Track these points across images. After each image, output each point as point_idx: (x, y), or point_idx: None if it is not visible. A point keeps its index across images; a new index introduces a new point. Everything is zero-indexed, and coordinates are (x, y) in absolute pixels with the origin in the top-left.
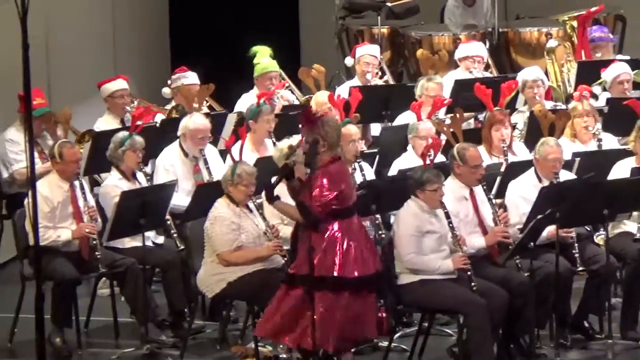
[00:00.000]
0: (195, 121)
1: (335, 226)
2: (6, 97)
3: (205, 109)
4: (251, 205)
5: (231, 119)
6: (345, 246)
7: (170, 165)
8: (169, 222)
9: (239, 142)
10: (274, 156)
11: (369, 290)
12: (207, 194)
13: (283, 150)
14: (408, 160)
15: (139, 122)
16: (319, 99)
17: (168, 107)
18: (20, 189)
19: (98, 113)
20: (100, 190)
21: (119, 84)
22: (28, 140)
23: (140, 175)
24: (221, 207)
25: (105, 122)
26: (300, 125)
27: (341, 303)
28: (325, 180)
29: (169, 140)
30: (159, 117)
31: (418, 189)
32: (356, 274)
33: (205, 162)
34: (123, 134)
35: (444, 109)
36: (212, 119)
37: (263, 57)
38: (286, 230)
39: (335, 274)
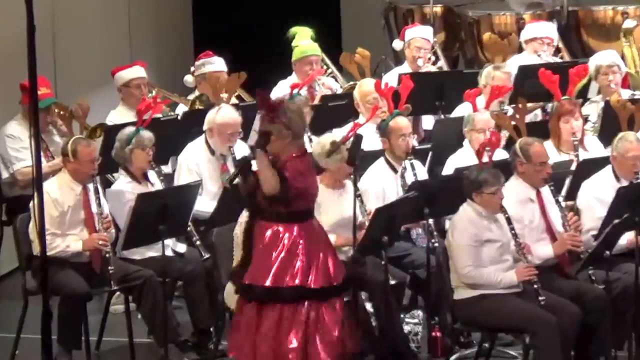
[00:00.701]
0: (224, 114)
1: (295, 230)
2: (6, 87)
3: (233, 100)
4: None
5: None
6: (307, 253)
7: (194, 164)
8: (191, 229)
9: None
10: (313, 152)
11: (335, 301)
12: (235, 197)
13: (325, 146)
14: (464, 156)
15: (145, 117)
16: (364, 88)
17: (191, 97)
18: (23, 190)
19: (111, 105)
20: (107, 195)
21: (136, 72)
22: (33, 135)
23: (152, 176)
24: None
25: (119, 115)
26: (258, 111)
27: (299, 317)
28: (290, 173)
29: (192, 135)
30: (181, 109)
31: (474, 191)
32: (320, 284)
33: (235, 161)
34: (129, 129)
35: (506, 98)
36: (243, 112)
37: (303, 39)
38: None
39: (297, 282)
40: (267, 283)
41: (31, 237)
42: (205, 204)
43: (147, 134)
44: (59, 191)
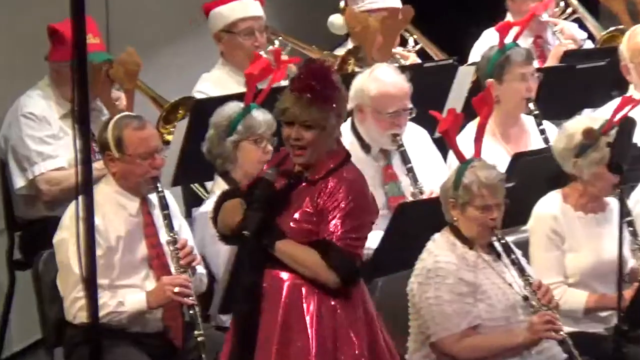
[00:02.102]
0: (383, 79)
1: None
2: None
3: (409, 55)
4: (498, 246)
5: (463, 78)
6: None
7: None
8: None
9: (471, 124)
10: (554, 147)
11: None
12: (412, 216)
13: (574, 136)
14: None
15: (260, 85)
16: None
17: (339, 51)
18: (49, 209)
19: (200, 66)
20: (196, 220)
21: (248, 8)
22: (77, 114)
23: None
24: (441, 251)
25: (216, 83)
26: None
27: None
28: (348, 201)
29: None
30: None
31: None
32: None
33: (405, 160)
34: (232, 107)
35: None
36: (415, 76)
37: None
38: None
39: None
40: None
41: (61, 291)
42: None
43: (262, 116)
44: (101, 212)
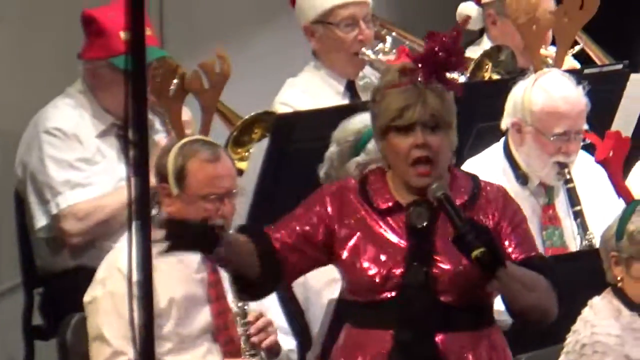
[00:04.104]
0: (551, 91)
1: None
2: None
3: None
4: None
5: (636, 90)
6: None
7: None
8: None
9: None
10: None
11: None
12: (562, 273)
13: None
14: None
15: None
16: None
17: (472, 52)
18: (76, 258)
19: (281, 68)
20: (296, 287)
21: None
22: (132, 117)
23: None
24: (600, 320)
25: (309, 90)
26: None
27: None
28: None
29: (478, 138)
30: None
31: None
32: None
33: (573, 201)
34: (363, 119)
35: None
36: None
37: None
38: None
39: None
40: None
41: None
42: None
43: None
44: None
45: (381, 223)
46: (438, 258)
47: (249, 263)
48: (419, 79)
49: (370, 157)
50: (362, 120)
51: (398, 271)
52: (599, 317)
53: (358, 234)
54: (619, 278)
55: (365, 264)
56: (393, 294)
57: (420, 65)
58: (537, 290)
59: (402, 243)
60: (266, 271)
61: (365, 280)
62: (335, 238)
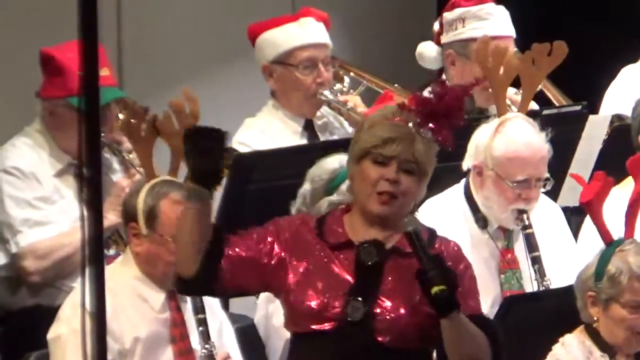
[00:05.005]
0: (513, 136)
1: None
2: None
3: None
4: None
5: (595, 131)
6: None
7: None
8: None
9: (614, 191)
10: None
11: None
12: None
13: None
14: None
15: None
16: None
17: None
18: (33, 296)
19: (240, 108)
20: (259, 323)
21: (309, 34)
22: (85, 154)
23: None
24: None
25: (266, 131)
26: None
27: None
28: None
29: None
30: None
31: None
32: None
33: (531, 247)
34: (339, 159)
35: None
36: (546, 126)
37: None
38: None
39: None
40: None
41: None
42: None
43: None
44: (114, 304)
45: (332, 257)
46: (382, 297)
47: (205, 230)
48: (416, 121)
49: (343, 197)
50: (339, 160)
51: (337, 303)
52: (570, 356)
53: (307, 264)
54: (594, 318)
55: (309, 292)
56: (331, 325)
57: (420, 109)
58: (477, 343)
59: (349, 278)
60: (204, 267)
61: (304, 307)
62: (285, 264)
